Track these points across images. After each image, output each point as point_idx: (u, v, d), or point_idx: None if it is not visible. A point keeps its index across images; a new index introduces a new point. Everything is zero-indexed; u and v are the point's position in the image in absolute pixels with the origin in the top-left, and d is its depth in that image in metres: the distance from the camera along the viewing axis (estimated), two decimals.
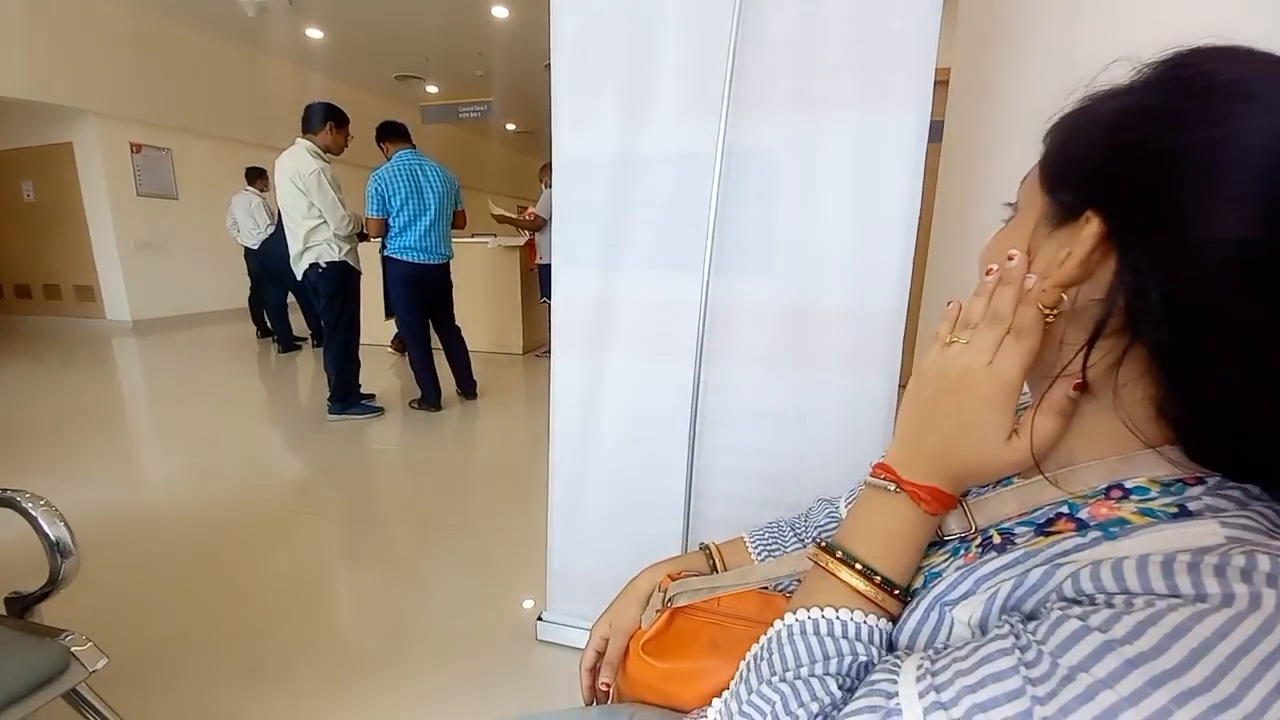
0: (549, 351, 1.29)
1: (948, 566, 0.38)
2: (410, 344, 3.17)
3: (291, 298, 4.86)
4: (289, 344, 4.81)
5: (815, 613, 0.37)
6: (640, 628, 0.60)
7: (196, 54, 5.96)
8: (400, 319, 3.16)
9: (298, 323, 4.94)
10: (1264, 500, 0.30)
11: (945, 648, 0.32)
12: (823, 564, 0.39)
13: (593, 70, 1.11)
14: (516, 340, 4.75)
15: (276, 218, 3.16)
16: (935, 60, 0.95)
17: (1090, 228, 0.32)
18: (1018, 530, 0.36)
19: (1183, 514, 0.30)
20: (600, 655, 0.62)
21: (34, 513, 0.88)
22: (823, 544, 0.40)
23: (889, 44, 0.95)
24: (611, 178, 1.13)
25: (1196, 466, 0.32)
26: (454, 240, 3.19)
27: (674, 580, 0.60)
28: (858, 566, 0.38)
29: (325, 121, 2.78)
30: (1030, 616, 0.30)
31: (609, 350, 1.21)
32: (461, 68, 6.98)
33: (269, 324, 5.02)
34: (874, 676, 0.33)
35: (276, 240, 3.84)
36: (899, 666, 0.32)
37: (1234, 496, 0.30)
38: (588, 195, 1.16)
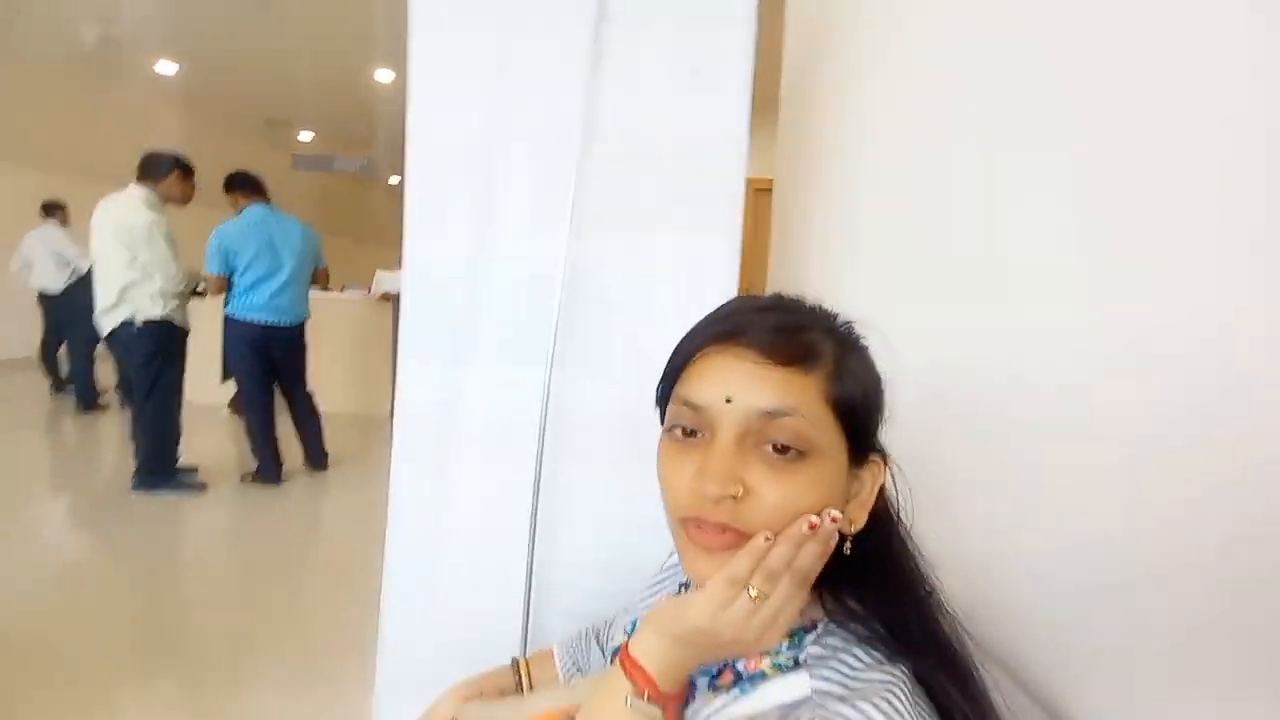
0: None
1: None
2: (249, 410, 2.85)
3: (102, 347, 4.17)
4: (90, 401, 4.08)
5: None
6: None
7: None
8: (238, 383, 2.85)
9: (105, 375, 4.23)
10: (859, 643, 0.37)
11: None
12: None
13: (445, 177, 1.16)
14: (384, 402, 4.44)
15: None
16: (743, 198, 1.12)
17: (878, 467, 0.41)
18: (698, 681, 0.40)
19: (794, 665, 0.36)
20: None
21: None
22: None
23: (704, 178, 1.11)
24: (459, 279, 1.17)
25: (820, 607, 0.39)
26: (315, 295, 2.99)
27: (460, 704, 0.60)
28: None
29: (171, 170, 2.55)
30: None
31: (450, 448, 1.20)
32: (340, 119, 6.71)
33: (69, 376, 4.25)
34: None
35: (87, 282, 3.34)
36: None
37: (832, 644, 0.37)
38: (435, 295, 1.19)
